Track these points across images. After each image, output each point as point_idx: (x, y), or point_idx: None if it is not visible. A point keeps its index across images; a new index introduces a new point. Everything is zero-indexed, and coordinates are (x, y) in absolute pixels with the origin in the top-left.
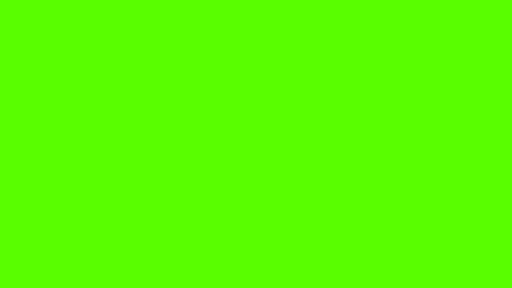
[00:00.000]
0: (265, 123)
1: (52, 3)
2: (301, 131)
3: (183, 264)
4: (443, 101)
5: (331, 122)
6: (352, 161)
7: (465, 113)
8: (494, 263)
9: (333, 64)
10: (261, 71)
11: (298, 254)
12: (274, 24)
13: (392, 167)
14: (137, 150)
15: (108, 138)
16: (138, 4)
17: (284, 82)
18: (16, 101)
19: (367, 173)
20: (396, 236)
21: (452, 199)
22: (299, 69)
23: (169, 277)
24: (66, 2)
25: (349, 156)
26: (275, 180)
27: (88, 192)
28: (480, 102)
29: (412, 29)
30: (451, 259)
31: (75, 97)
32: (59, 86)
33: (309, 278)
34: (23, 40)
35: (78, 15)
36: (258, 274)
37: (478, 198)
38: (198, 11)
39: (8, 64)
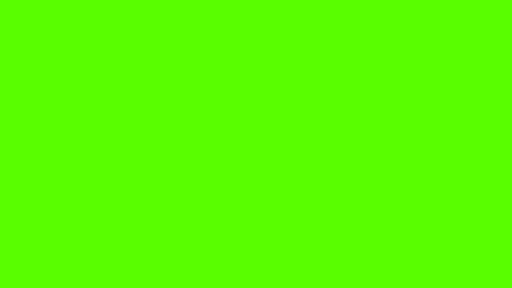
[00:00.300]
0: (265, 123)
1: (52, 3)
2: (301, 131)
3: (183, 264)
4: (443, 101)
5: (331, 122)
6: (352, 161)
7: (465, 113)
8: (494, 263)
9: (333, 64)
10: (261, 71)
11: (298, 254)
12: (274, 24)
13: (392, 167)
14: (137, 149)
15: (108, 137)
16: (138, 4)
17: (284, 82)
18: (16, 101)
19: (367, 173)
20: (396, 236)
21: (452, 199)
22: (299, 69)
23: (169, 277)
24: (66, 2)
25: (349, 156)
26: (274, 180)
27: (88, 191)
28: (480, 102)
29: (412, 29)
30: (451, 259)
31: (75, 97)
32: (59, 86)
33: (309, 278)
34: (23, 40)
35: (78, 15)
36: (258, 274)
37: (478, 198)
38: (198, 11)
39: (8, 64)
